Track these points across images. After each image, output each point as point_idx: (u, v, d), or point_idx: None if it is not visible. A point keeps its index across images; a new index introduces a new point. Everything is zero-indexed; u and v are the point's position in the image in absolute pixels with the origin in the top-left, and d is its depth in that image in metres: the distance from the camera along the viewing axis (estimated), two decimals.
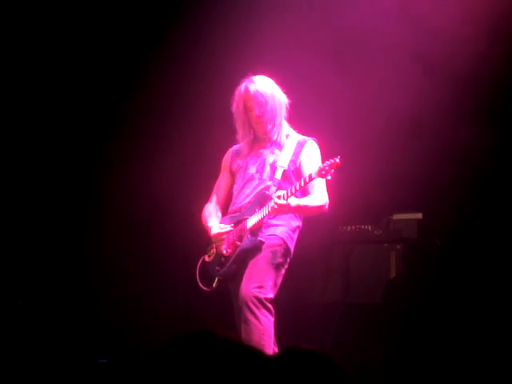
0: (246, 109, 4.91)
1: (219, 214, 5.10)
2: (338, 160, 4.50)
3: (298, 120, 5.02)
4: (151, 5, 6.63)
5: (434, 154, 5.93)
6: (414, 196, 6.03)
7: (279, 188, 4.79)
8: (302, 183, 4.65)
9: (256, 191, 4.89)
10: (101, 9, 6.53)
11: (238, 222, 4.93)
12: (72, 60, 6.58)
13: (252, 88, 4.88)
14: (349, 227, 6.04)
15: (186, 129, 6.52)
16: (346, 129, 6.03)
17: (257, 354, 1.79)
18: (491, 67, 5.87)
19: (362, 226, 6.01)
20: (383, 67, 6.07)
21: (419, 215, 5.95)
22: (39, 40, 6.48)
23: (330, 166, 4.51)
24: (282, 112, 4.92)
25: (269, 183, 4.87)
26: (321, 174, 4.54)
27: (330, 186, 4.96)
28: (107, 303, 6.51)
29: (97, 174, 6.68)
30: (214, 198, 5.16)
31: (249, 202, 4.90)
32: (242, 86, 4.92)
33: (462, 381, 5.57)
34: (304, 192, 4.83)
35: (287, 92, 4.90)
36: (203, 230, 5.06)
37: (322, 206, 4.82)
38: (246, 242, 4.83)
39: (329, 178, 4.56)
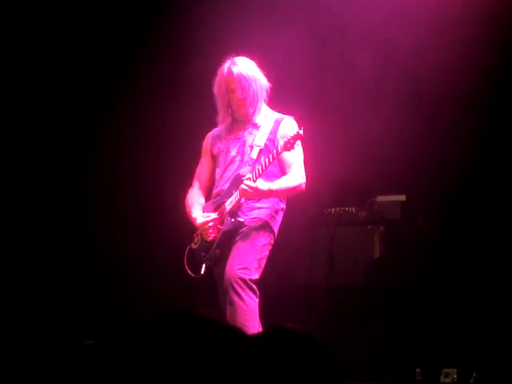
0: (229, 90, 4.89)
1: (202, 200, 5.10)
2: (301, 132, 4.58)
3: (280, 102, 5.03)
4: None
5: (417, 135, 5.95)
6: (398, 178, 6.05)
7: (254, 167, 4.81)
8: (271, 159, 4.68)
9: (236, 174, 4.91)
10: None
11: (219, 206, 4.94)
12: (60, 50, 6.54)
13: (236, 70, 4.84)
14: (333, 209, 6.05)
15: (171, 114, 6.49)
16: (328, 110, 6.04)
17: (236, 332, 1.80)
18: (482, 53, 5.88)
19: (346, 208, 6.02)
20: (366, 49, 6.08)
21: (403, 197, 5.97)
22: (28, 29, 6.44)
23: (294, 139, 4.59)
24: (263, 96, 4.92)
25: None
26: (286, 147, 4.61)
27: (313, 169, 4.98)
28: (93, 286, 6.53)
29: (86, 161, 6.65)
30: (196, 184, 5.15)
31: (228, 185, 4.92)
32: (225, 68, 4.88)
33: (447, 361, 5.62)
34: (282, 171, 4.85)
35: (268, 74, 4.90)
36: (187, 217, 5.07)
37: (297, 187, 4.83)
38: (227, 224, 4.86)
39: (294, 150, 4.63)
